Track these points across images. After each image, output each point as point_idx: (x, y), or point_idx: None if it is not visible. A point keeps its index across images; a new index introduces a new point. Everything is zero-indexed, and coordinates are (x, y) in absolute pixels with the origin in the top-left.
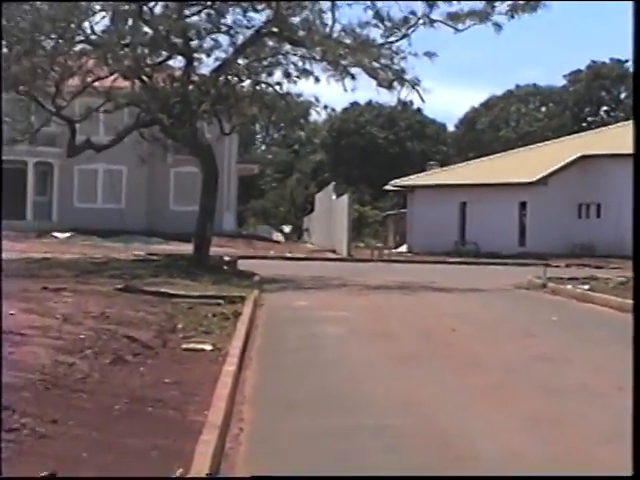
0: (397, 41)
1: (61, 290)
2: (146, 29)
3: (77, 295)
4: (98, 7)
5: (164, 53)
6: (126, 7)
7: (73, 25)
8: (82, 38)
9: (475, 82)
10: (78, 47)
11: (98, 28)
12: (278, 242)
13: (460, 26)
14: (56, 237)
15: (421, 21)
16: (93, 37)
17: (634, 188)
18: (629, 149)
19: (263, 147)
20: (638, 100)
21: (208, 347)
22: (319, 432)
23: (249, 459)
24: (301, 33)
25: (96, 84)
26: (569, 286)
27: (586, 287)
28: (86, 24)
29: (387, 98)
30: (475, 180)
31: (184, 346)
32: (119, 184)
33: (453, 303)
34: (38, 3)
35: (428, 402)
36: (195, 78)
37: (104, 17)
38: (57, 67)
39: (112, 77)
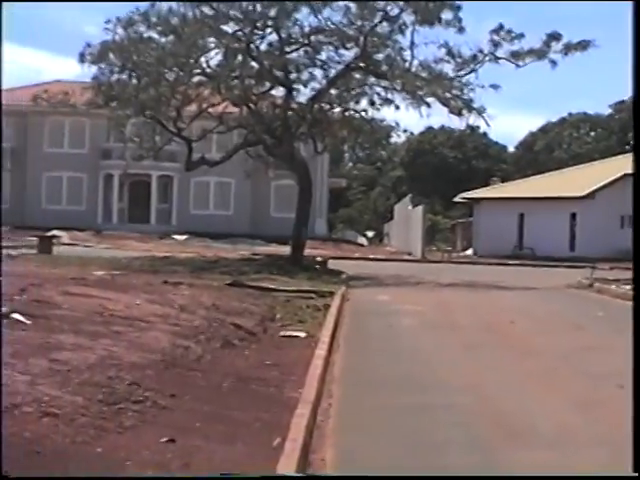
0: (466, 75)
1: (179, 284)
2: (253, 64)
3: (192, 288)
4: (212, 45)
5: (268, 84)
6: (236, 45)
7: (192, 60)
8: (199, 71)
9: (533, 110)
10: (196, 79)
11: (213, 63)
12: (362, 245)
13: (521, 62)
14: (175, 239)
15: (487, 58)
16: (208, 70)
17: (633, 190)
18: None
19: (350, 164)
20: (638, 102)
21: (302, 334)
22: (396, 408)
23: (337, 430)
24: (384, 68)
25: (210, 110)
26: (613, 286)
27: (628, 287)
28: (202, 59)
29: (457, 123)
30: (532, 194)
31: (282, 333)
32: (228, 194)
33: (512, 299)
34: (163, 41)
35: (490, 384)
36: (294, 105)
37: (217, 53)
38: (178, 95)
39: (224, 104)
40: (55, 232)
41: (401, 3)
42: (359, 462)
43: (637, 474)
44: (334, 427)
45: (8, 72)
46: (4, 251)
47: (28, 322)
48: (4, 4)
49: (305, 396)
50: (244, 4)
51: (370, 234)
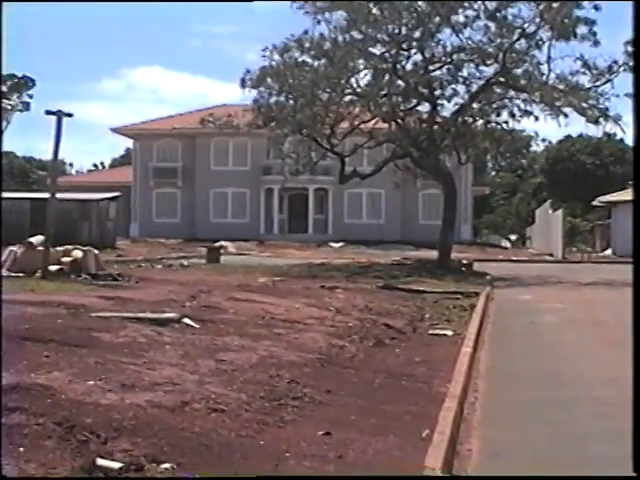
0: (602, 85)
1: (335, 288)
2: (399, 82)
3: (347, 292)
4: (362, 66)
5: (414, 100)
6: (384, 65)
7: (343, 81)
8: (350, 91)
9: None
10: (347, 98)
11: (362, 83)
12: (506, 248)
13: None
14: (331, 246)
15: (622, 68)
16: (358, 90)
17: (634, 188)
18: None
19: (493, 172)
20: (638, 100)
21: (449, 333)
22: (539, 401)
23: (483, 422)
24: (523, 81)
25: (361, 126)
26: None
27: None
28: (353, 80)
29: (594, 131)
30: None
31: (430, 332)
32: (379, 204)
33: None
34: (316, 64)
35: (631, 379)
36: (438, 120)
37: (366, 74)
38: (331, 114)
39: (373, 121)
40: (222, 243)
41: (537, 20)
42: (504, 453)
43: (637, 474)
44: (480, 420)
45: (180, 99)
46: (178, 261)
47: (197, 326)
48: (4, 4)
49: (452, 391)
50: (390, 27)
51: (513, 237)
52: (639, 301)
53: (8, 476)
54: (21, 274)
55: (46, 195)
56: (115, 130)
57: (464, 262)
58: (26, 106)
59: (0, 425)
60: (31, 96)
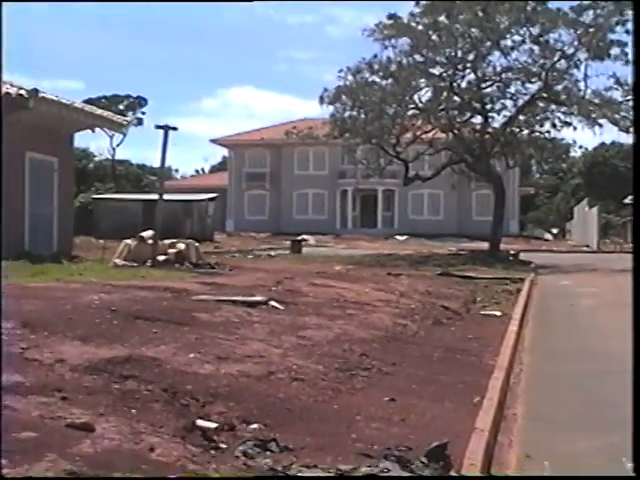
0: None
1: (399, 275)
2: (456, 98)
3: (410, 278)
4: (423, 84)
5: (468, 114)
6: (442, 84)
7: (407, 97)
8: (413, 106)
9: None
10: (410, 112)
11: (424, 99)
12: (548, 240)
13: None
14: (397, 239)
15: None
16: (420, 105)
17: (634, 188)
18: None
19: (537, 175)
20: (638, 100)
21: (498, 313)
22: (576, 372)
23: (527, 390)
24: (563, 97)
25: (422, 136)
26: None
27: None
28: (415, 96)
29: (626, 139)
30: None
31: (481, 312)
32: (438, 203)
33: None
34: (383, 83)
35: None
36: (489, 130)
37: (427, 91)
38: (397, 126)
39: (433, 131)
40: (303, 236)
41: (576, 43)
42: (545, 416)
43: (637, 474)
44: (524, 388)
45: (268, 114)
46: (266, 252)
47: (281, 307)
48: (4, 4)
49: (500, 363)
50: (447, 51)
51: (554, 231)
52: (639, 298)
53: (8, 476)
54: (134, 263)
55: (156, 197)
56: (214, 141)
57: (512, 252)
58: (139, 121)
59: (0, 426)
60: (144, 113)
